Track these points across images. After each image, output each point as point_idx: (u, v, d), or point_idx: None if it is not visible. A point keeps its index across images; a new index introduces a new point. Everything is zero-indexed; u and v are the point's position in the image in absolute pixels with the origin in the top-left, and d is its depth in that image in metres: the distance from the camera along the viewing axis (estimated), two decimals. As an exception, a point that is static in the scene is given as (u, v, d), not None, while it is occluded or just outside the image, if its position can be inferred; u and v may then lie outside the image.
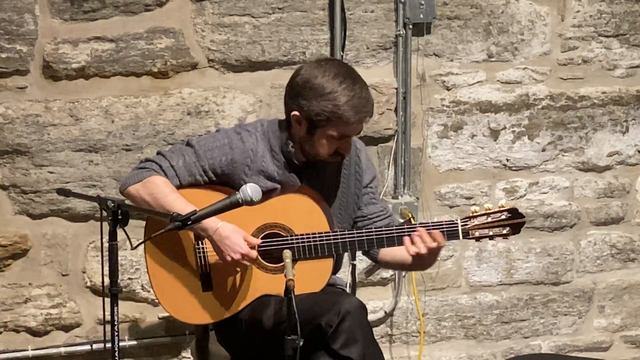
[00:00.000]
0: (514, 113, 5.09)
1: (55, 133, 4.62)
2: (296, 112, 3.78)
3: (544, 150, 5.15)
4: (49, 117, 4.61)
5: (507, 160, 5.12)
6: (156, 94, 4.70)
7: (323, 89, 3.73)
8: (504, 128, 5.10)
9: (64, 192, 3.73)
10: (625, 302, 5.39)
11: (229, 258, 3.76)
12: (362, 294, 4.94)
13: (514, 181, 5.15)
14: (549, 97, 5.12)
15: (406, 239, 3.79)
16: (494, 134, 5.09)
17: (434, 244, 3.77)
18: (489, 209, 3.83)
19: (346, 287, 4.29)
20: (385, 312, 5.11)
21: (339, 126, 3.75)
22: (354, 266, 4.91)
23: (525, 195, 5.18)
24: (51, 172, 4.64)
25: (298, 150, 3.86)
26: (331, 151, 3.82)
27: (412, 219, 4.92)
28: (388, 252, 3.99)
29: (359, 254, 4.57)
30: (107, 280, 3.42)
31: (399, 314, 5.14)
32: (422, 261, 3.83)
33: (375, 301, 5.08)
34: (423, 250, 3.77)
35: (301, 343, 3.44)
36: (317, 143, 3.80)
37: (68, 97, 4.63)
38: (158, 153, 3.93)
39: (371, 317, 4.95)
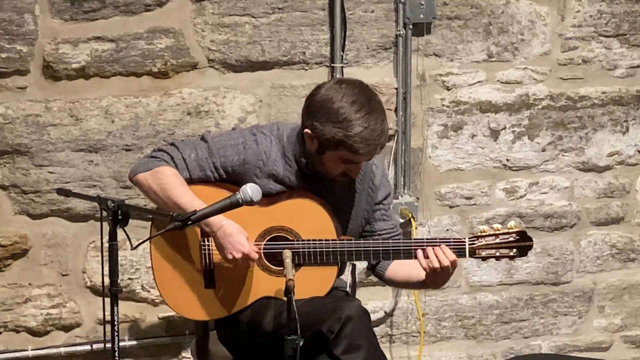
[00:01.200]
0: (514, 113, 5.09)
1: (55, 133, 4.62)
2: (308, 130, 3.77)
3: (544, 150, 5.15)
4: (49, 117, 4.61)
5: (507, 160, 5.12)
6: (156, 94, 4.70)
7: (337, 116, 3.68)
8: (504, 128, 5.10)
9: (64, 192, 3.73)
10: (625, 302, 5.39)
11: (230, 256, 3.76)
12: (362, 294, 4.94)
13: (514, 181, 5.15)
14: (549, 97, 5.12)
15: (419, 253, 3.76)
16: (494, 134, 5.09)
17: (446, 262, 3.72)
18: (498, 230, 3.81)
19: (346, 287, 4.28)
20: (385, 312, 5.11)
21: (348, 153, 3.72)
22: (354, 266, 4.90)
23: (525, 195, 5.18)
24: (51, 172, 4.64)
25: (309, 162, 3.86)
26: (339, 172, 3.81)
27: (412, 219, 4.92)
28: (396, 271, 3.97)
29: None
30: (107, 280, 3.42)
31: (399, 314, 5.14)
32: (435, 278, 3.78)
33: (375, 301, 5.08)
34: (436, 265, 3.72)
35: (301, 343, 3.44)
36: (326, 163, 3.79)
37: (68, 97, 4.63)
38: (171, 144, 3.92)
39: (371, 317, 4.94)
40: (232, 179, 3.87)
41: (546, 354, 5.27)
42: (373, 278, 5.05)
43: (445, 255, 3.73)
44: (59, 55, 4.57)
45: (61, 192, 3.74)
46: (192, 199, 3.72)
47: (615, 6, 5.11)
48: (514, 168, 5.14)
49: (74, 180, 4.66)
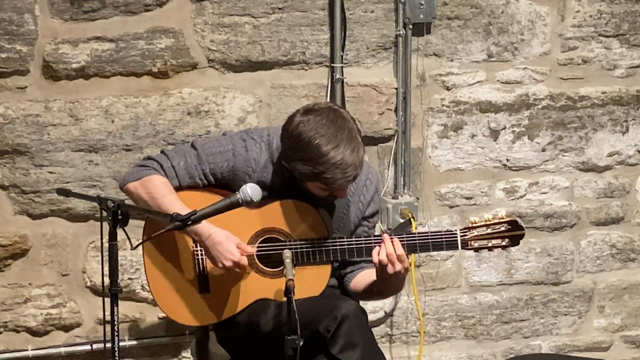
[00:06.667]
0: (514, 113, 5.09)
1: (55, 133, 4.62)
2: (285, 164, 3.76)
3: (544, 150, 5.15)
4: (49, 117, 4.61)
5: (507, 160, 5.12)
6: (156, 94, 4.70)
7: (305, 153, 3.65)
8: (504, 128, 5.10)
9: (64, 192, 3.73)
10: (625, 302, 5.39)
11: (220, 265, 3.75)
12: (362, 294, 4.95)
13: (514, 181, 5.15)
14: (549, 97, 5.12)
15: (375, 249, 3.74)
16: (494, 134, 5.09)
17: (401, 252, 3.70)
18: (489, 220, 3.78)
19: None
20: (385, 312, 5.11)
21: (325, 185, 3.71)
22: (354, 266, 4.90)
23: (525, 195, 5.18)
24: (51, 172, 4.64)
25: None
26: (325, 195, 3.78)
27: (412, 219, 4.92)
28: (360, 281, 3.95)
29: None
30: (107, 280, 3.42)
31: (399, 314, 5.14)
32: (383, 277, 3.74)
33: (375, 301, 5.08)
34: (384, 258, 3.69)
35: (301, 343, 3.44)
36: (310, 189, 3.77)
37: (68, 97, 4.63)
38: (161, 152, 3.93)
39: (371, 317, 4.94)
40: (220, 184, 3.87)
41: (546, 354, 5.27)
42: (373, 278, 5.06)
43: (394, 248, 3.70)
44: (59, 55, 4.57)
45: (61, 192, 3.75)
46: (180, 208, 3.70)
47: (615, 6, 5.11)
48: (514, 168, 5.14)
49: (74, 180, 4.66)
